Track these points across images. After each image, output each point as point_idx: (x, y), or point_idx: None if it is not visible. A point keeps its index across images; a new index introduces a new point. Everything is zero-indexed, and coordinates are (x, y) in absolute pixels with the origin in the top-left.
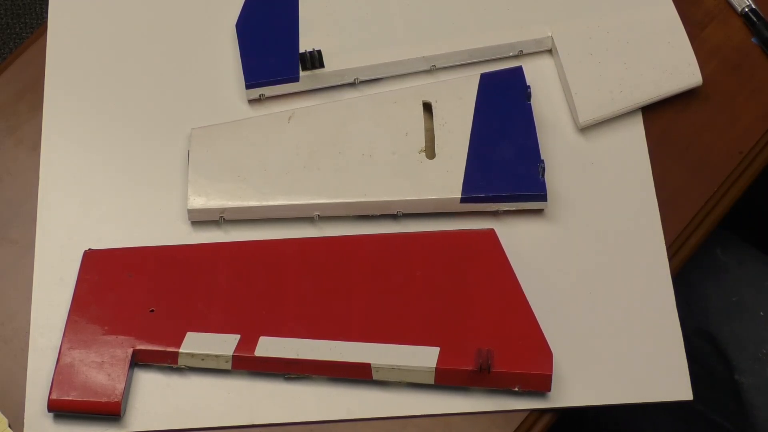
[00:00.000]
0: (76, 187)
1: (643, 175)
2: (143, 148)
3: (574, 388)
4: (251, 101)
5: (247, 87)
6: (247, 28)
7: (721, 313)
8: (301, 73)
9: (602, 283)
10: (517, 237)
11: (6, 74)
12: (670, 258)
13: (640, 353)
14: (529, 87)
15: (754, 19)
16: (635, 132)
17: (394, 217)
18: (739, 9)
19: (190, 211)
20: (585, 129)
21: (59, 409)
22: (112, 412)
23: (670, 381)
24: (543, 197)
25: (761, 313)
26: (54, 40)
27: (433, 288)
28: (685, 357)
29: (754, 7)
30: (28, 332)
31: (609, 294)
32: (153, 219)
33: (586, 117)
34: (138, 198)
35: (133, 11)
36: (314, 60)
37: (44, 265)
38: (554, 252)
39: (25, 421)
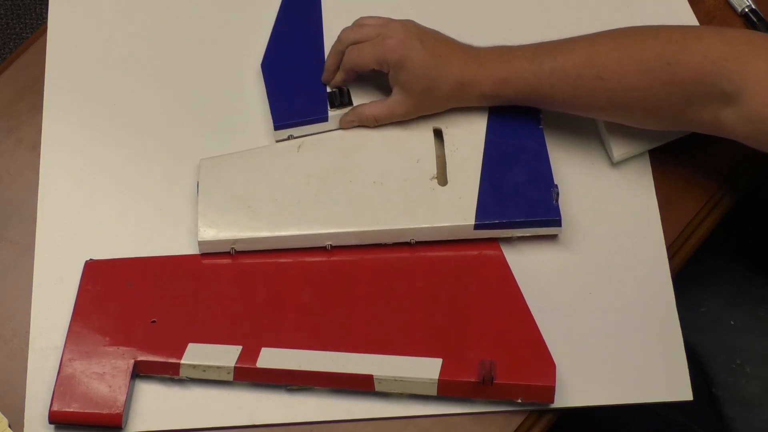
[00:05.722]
0: (75, 188)
1: (644, 176)
2: (143, 148)
3: (575, 388)
4: (279, 142)
5: (276, 128)
6: (273, 68)
7: (690, 325)
8: (330, 112)
9: (602, 283)
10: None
11: (6, 74)
12: (670, 258)
13: (640, 354)
14: (540, 112)
15: (754, 19)
16: None
17: (408, 244)
18: (739, 9)
19: (201, 243)
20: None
21: (60, 421)
22: (114, 423)
23: (670, 381)
24: (557, 222)
25: (731, 323)
26: (54, 40)
27: (436, 299)
28: (685, 357)
29: (754, 7)
30: (28, 332)
31: (609, 294)
32: (155, 228)
33: (620, 152)
34: (138, 204)
35: (132, 13)
36: (343, 97)
37: (44, 265)
38: (555, 254)
39: (25, 421)
